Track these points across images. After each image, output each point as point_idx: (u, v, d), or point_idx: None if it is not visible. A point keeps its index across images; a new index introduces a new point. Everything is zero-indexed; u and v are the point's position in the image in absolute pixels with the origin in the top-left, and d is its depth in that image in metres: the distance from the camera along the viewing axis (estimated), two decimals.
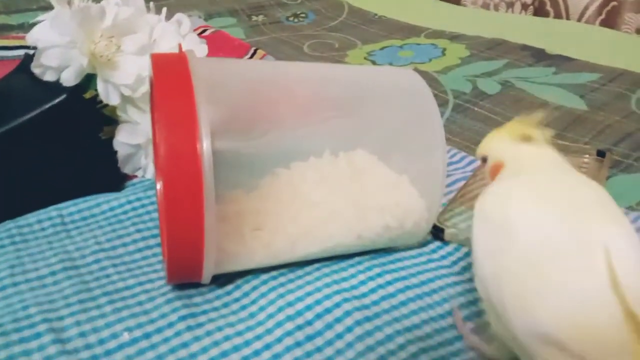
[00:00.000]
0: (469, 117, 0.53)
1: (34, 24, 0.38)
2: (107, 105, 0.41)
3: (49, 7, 0.38)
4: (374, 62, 0.66)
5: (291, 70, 0.36)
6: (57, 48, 0.35)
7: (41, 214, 0.37)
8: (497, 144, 0.28)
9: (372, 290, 0.31)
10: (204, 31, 0.74)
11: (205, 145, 0.27)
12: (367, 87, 0.36)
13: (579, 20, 0.79)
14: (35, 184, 0.38)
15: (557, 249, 0.22)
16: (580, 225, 0.23)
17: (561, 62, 0.63)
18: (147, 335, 0.29)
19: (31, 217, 0.37)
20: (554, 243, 0.23)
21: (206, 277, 0.30)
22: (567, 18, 0.81)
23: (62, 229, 0.37)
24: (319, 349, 0.28)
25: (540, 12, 0.83)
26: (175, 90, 0.28)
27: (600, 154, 0.43)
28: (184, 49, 0.31)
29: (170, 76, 0.28)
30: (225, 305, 0.31)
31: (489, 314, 0.25)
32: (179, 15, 0.42)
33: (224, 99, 0.32)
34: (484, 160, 0.29)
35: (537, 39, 0.70)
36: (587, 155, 0.43)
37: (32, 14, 0.80)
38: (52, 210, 0.38)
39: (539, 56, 0.65)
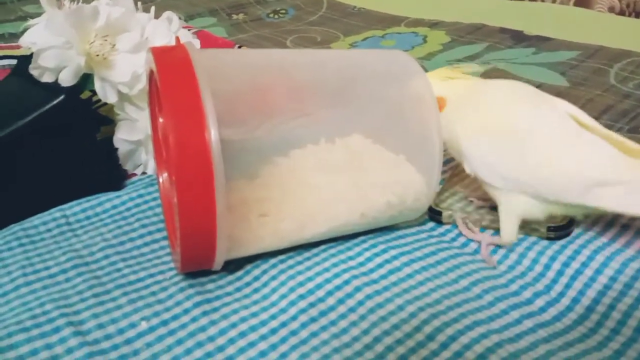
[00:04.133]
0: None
1: (13, 34, 0.38)
2: (103, 105, 0.41)
3: (28, 17, 0.38)
4: None
5: (286, 58, 0.37)
6: (53, 49, 0.36)
7: (45, 215, 0.38)
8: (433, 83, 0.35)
9: (379, 266, 0.33)
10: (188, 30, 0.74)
11: (214, 134, 0.28)
12: (359, 70, 0.37)
13: (553, 1, 0.81)
14: (37, 186, 0.38)
15: (552, 129, 0.32)
16: (547, 107, 0.33)
17: (540, 42, 0.65)
18: (164, 323, 0.29)
19: (36, 220, 0.37)
20: (545, 127, 0.32)
21: (218, 263, 0.31)
22: (542, 0, 0.83)
23: (68, 229, 0.37)
24: (333, 323, 0.29)
25: None
26: (179, 81, 0.29)
27: None
28: (181, 42, 0.32)
29: (173, 67, 0.29)
30: (238, 289, 0.32)
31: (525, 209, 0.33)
32: (168, 13, 0.42)
33: (223, 89, 0.33)
34: None
35: (515, 21, 0.71)
36: None
37: (10, 24, 0.80)
38: (55, 212, 0.38)
39: (518, 38, 0.67)
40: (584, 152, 0.31)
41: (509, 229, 0.33)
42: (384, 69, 0.37)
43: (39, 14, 0.39)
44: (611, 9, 0.77)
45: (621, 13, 0.76)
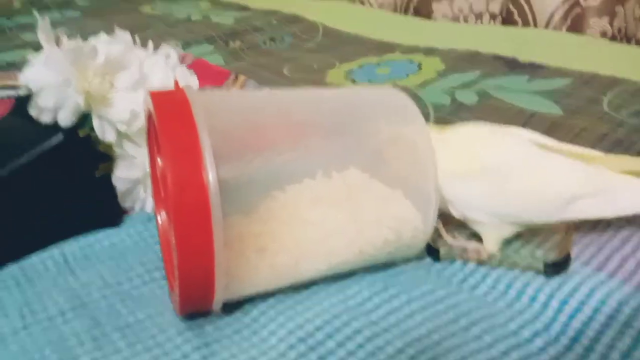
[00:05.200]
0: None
1: (11, 64, 0.38)
2: (101, 142, 0.41)
3: (27, 45, 0.38)
4: (353, 81, 0.68)
5: (283, 98, 0.37)
6: (52, 88, 0.36)
7: (43, 253, 0.38)
8: None
9: (378, 306, 0.32)
10: (182, 59, 0.74)
11: (212, 176, 0.28)
12: (356, 108, 0.37)
13: (546, 27, 0.82)
14: (36, 225, 0.38)
15: (521, 159, 0.35)
16: (511, 140, 0.36)
17: (534, 69, 0.65)
18: None
19: (34, 258, 0.37)
20: (515, 159, 0.35)
21: (217, 304, 0.31)
22: (535, 26, 0.84)
23: (66, 268, 0.37)
24: None
25: (508, 21, 0.86)
26: (177, 124, 0.29)
27: None
28: (180, 85, 0.32)
29: (171, 111, 0.29)
30: (237, 331, 0.32)
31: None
32: (165, 49, 0.43)
33: (221, 128, 0.33)
34: None
35: (509, 48, 0.72)
36: None
37: (9, 52, 0.80)
38: (53, 249, 0.38)
39: (512, 65, 0.67)
40: (555, 174, 0.34)
41: (492, 247, 0.36)
42: (381, 106, 0.37)
43: (37, 42, 0.39)
44: (603, 34, 0.78)
45: (613, 38, 0.77)
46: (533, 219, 0.35)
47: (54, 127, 0.37)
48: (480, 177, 0.35)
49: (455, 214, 0.36)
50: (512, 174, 0.35)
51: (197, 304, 0.31)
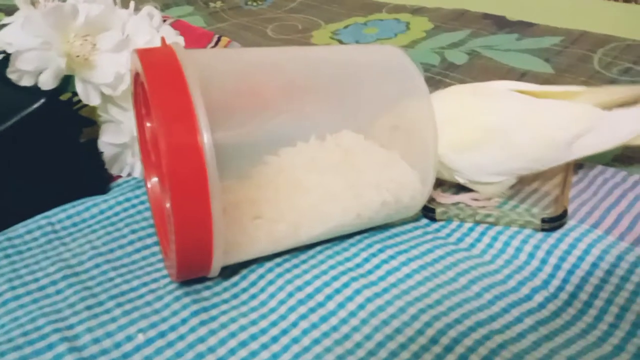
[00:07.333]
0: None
1: None
2: (84, 106, 0.40)
3: None
4: (340, 41, 0.67)
5: (276, 57, 0.36)
6: (32, 51, 0.34)
7: (30, 223, 0.36)
8: None
9: (377, 267, 0.32)
10: (163, 22, 0.72)
11: (207, 137, 0.27)
12: (349, 66, 0.36)
13: None
14: (20, 193, 0.37)
15: (516, 116, 0.35)
16: (498, 95, 0.36)
17: (523, 28, 0.64)
18: (162, 334, 0.29)
19: (20, 228, 0.36)
20: (511, 116, 0.35)
21: (215, 269, 0.30)
22: None
23: (55, 237, 0.36)
24: (334, 328, 0.28)
25: None
26: (168, 84, 0.28)
27: None
28: (167, 43, 0.31)
29: (160, 69, 0.28)
30: (235, 296, 0.31)
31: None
32: (148, 9, 0.41)
33: (212, 90, 0.32)
34: None
35: (496, 6, 0.71)
36: None
37: None
38: (40, 219, 0.37)
39: (501, 24, 0.66)
40: (553, 118, 0.35)
41: (490, 194, 0.37)
42: (376, 64, 0.36)
43: (7, 6, 0.37)
44: None
45: None
46: (542, 166, 0.36)
47: (35, 91, 0.35)
48: (485, 143, 0.35)
49: (462, 181, 0.36)
50: (515, 131, 0.35)
51: (194, 270, 0.30)
